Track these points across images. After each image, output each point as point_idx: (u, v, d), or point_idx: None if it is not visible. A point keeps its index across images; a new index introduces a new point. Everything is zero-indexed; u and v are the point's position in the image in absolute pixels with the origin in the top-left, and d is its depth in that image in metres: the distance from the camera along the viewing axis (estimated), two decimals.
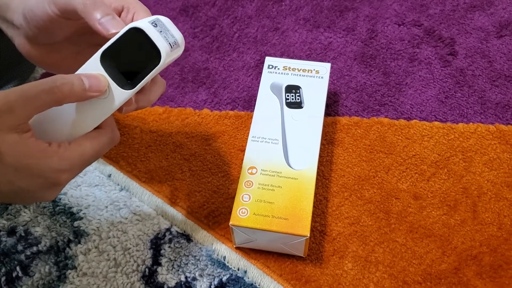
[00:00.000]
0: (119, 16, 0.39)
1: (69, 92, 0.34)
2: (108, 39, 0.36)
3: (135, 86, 0.36)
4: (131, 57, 0.36)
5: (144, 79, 0.36)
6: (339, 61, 0.63)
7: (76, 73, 0.37)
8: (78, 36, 0.42)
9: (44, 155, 0.34)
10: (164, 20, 0.37)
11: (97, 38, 0.38)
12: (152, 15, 0.40)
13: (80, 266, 0.49)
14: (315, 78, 0.54)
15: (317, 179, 0.51)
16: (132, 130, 0.58)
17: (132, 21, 0.39)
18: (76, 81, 0.35)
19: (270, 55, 0.64)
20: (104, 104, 0.37)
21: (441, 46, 0.63)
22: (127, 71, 0.36)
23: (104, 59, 0.36)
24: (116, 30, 0.36)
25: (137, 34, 0.35)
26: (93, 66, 0.36)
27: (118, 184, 0.54)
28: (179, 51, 0.38)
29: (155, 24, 0.35)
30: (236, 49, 0.65)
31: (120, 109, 0.38)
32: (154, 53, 0.35)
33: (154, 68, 0.36)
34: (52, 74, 0.43)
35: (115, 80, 0.36)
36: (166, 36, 0.36)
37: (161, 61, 0.35)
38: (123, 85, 0.36)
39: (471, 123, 0.56)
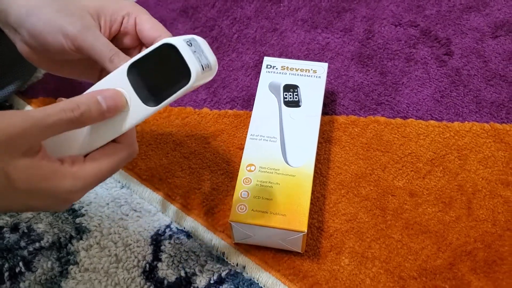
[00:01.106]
0: (121, 24, 0.39)
1: (87, 119, 0.33)
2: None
3: (159, 104, 0.34)
4: (160, 74, 0.34)
5: (170, 98, 0.34)
6: (337, 61, 0.64)
7: (100, 84, 0.36)
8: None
9: (57, 176, 0.32)
10: (200, 40, 0.35)
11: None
12: (152, 16, 0.40)
13: (82, 261, 0.50)
14: (312, 78, 0.55)
15: (314, 176, 0.52)
16: None
17: (134, 24, 0.39)
18: (93, 105, 0.33)
19: (268, 55, 0.65)
20: (124, 118, 0.35)
21: (437, 46, 0.64)
22: (153, 88, 0.35)
23: (131, 71, 0.35)
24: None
25: (169, 51, 0.33)
26: (118, 78, 0.35)
27: (119, 182, 0.55)
28: (210, 75, 0.36)
29: (190, 43, 0.34)
30: (235, 49, 0.66)
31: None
32: (184, 73, 0.33)
33: (182, 88, 0.34)
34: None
35: (139, 94, 0.35)
36: (199, 57, 0.34)
37: (190, 82, 0.33)
38: (147, 101, 0.35)
39: (466, 122, 0.57)
